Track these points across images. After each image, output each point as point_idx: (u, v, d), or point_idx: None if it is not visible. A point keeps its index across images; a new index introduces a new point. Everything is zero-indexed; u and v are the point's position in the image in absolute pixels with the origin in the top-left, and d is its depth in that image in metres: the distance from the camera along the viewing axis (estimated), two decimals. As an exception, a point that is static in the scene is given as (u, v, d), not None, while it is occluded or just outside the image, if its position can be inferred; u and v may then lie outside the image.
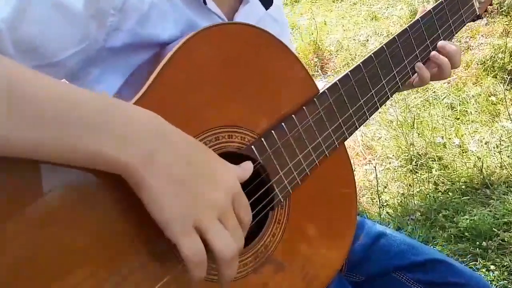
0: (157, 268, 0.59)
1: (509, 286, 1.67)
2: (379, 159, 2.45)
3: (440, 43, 0.92)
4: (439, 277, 0.98)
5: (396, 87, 0.86)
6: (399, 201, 2.18)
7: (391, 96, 0.85)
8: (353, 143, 2.53)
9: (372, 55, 0.82)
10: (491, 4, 1.02)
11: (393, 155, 2.43)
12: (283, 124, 0.73)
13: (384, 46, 0.84)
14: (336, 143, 0.79)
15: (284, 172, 0.74)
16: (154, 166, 0.52)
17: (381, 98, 0.84)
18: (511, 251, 1.79)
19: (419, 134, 2.47)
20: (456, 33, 0.96)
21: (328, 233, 0.82)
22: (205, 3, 0.74)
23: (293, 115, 0.75)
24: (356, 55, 3.16)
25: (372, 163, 2.42)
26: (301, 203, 0.78)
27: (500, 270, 1.73)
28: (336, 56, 3.25)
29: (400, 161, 2.37)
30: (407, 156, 2.37)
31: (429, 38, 0.90)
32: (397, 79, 0.85)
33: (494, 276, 1.71)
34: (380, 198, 2.21)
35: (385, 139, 2.54)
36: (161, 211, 0.52)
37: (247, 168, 0.65)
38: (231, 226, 0.57)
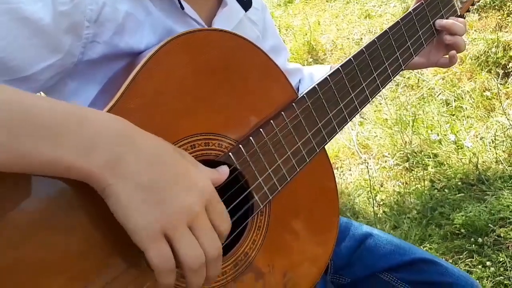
0: (136, 274, 0.59)
1: (505, 282, 1.66)
2: (375, 158, 2.45)
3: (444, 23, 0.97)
4: (427, 277, 0.98)
5: (378, 90, 0.86)
6: (395, 200, 2.18)
7: (371, 99, 0.84)
8: (348, 143, 2.52)
9: (351, 58, 0.82)
10: (473, 4, 1.02)
11: (388, 154, 2.43)
12: (260, 129, 0.73)
13: (363, 48, 0.83)
14: (317, 148, 0.79)
15: (263, 178, 0.73)
16: (121, 172, 0.51)
17: (361, 101, 0.83)
18: (507, 246, 1.78)
19: (414, 131, 2.46)
20: (437, 33, 0.96)
21: (309, 238, 0.82)
22: (182, 8, 0.74)
23: (271, 121, 0.74)
24: (350, 54, 3.14)
25: (368, 163, 2.42)
26: (282, 209, 0.78)
27: (496, 266, 1.72)
28: (330, 56, 3.24)
29: (396, 159, 2.37)
30: (403, 154, 2.36)
31: (410, 39, 0.90)
32: (378, 82, 0.85)
33: (490, 272, 1.70)
34: (376, 198, 2.20)
35: (381, 137, 2.54)
36: (128, 217, 0.51)
37: (222, 171, 0.65)
38: (203, 231, 0.56)
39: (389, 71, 0.86)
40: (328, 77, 0.78)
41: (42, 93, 0.74)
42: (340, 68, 0.80)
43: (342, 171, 2.45)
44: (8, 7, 0.60)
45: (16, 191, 0.51)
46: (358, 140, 2.55)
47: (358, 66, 0.82)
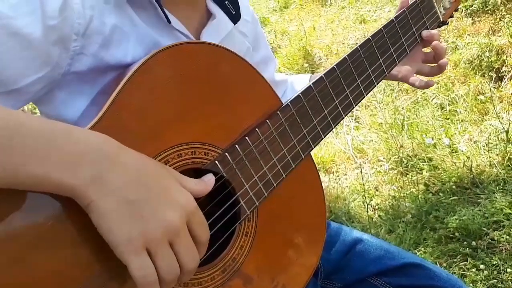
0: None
1: (499, 285, 1.67)
2: (370, 162, 2.46)
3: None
4: (416, 281, 0.99)
5: (362, 96, 0.87)
6: (390, 204, 2.19)
7: (355, 105, 0.86)
8: (344, 147, 2.54)
9: (334, 66, 0.83)
10: (456, 10, 1.04)
11: (383, 158, 2.44)
12: (246, 138, 0.75)
13: (346, 56, 0.85)
14: (302, 154, 0.81)
15: (250, 185, 0.75)
16: (103, 188, 0.53)
17: (345, 107, 0.85)
18: (501, 250, 1.79)
19: (409, 136, 2.48)
20: (420, 40, 0.98)
21: (297, 243, 0.83)
22: (169, 21, 0.76)
23: (256, 129, 0.76)
24: (345, 59, 3.17)
25: (363, 167, 2.43)
26: (269, 215, 0.79)
27: (489, 270, 1.73)
28: (326, 61, 3.27)
29: (391, 164, 2.38)
30: (398, 158, 2.38)
31: (393, 46, 0.91)
32: (361, 88, 0.86)
33: (484, 276, 1.71)
34: (371, 202, 2.22)
35: (376, 142, 2.56)
36: (110, 231, 0.53)
37: (208, 181, 0.67)
38: (183, 247, 0.58)
39: (373, 77, 0.88)
40: (311, 85, 0.80)
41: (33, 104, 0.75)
42: (323, 76, 0.81)
43: (337, 176, 2.47)
44: None
45: (5, 206, 0.53)
46: (353, 145, 2.57)
47: (342, 74, 0.83)
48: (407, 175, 2.30)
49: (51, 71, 0.67)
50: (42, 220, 0.55)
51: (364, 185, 2.26)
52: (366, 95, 0.87)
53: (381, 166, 2.42)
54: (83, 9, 0.67)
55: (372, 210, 2.20)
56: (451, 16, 1.04)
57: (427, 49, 1.04)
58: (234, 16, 0.87)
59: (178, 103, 0.70)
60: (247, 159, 0.74)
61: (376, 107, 2.74)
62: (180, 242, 0.57)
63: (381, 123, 2.62)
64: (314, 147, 0.82)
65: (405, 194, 2.19)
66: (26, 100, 0.70)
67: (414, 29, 0.94)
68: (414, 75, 1.05)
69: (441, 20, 1.01)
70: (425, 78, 1.05)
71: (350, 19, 3.51)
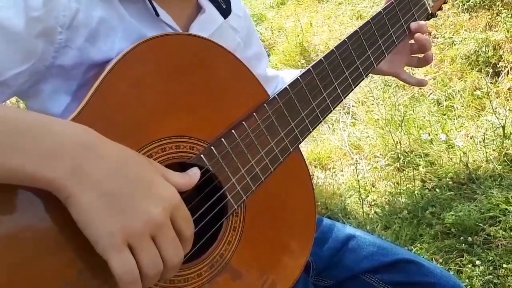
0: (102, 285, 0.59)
1: (495, 281, 1.66)
2: (367, 158, 2.45)
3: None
4: (409, 277, 0.98)
5: (350, 88, 0.86)
6: (386, 200, 2.18)
7: (344, 98, 0.85)
8: (340, 143, 2.53)
9: (322, 58, 0.82)
10: (445, 3, 1.03)
11: (380, 154, 2.43)
12: (233, 131, 0.73)
13: (334, 48, 0.84)
14: (290, 147, 0.79)
15: (237, 179, 0.74)
16: (82, 181, 0.51)
17: (334, 100, 0.83)
18: (497, 245, 1.78)
19: (405, 131, 2.46)
20: (408, 32, 0.97)
21: (286, 238, 0.81)
22: (157, 15, 0.74)
23: (243, 122, 0.75)
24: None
25: (359, 163, 2.42)
26: (257, 210, 0.78)
27: (485, 265, 1.72)
28: (322, 57, 3.25)
29: (387, 160, 2.37)
30: (394, 154, 2.37)
31: (381, 38, 0.90)
32: (350, 80, 0.85)
33: (480, 271, 1.70)
34: (367, 198, 2.21)
35: (372, 138, 2.54)
36: (90, 226, 0.51)
37: (193, 174, 0.65)
38: (166, 242, 0.56)
39: (361, 69, 0.86)
40: (299, 77, 0.79)
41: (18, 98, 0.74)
42: (311, 68, 0.80)
43: (334, 172, 2.45)
44: None
45: None
46: (350, 141, 2.56)
47: (329, 66, 0.82)
48: (404, 171, 2.29)
49: (36, 64, 0.66)
50: (26, 219, 0.54)
51: (359, 181, 2.24)
52: (355, 87, 0.86)
53: (377, 162, 2.41)
54: (69, 2, 0.66)
55: (368, 206, 2.19)
56: (440, 9, 1.02)
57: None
58: (225, 11, 0.86)
59: (162, 96, 0.68)
60: (233, 152, 0.73)
61: (372, 103, 2.73)
62: (163, 236, 0.56)
63: (378, 119, 2.61)
64: (303, 140, 0.80)
65: (401, 190, 2.17)
66: (10, 93, 0.68)
67: (402, 21, 0.93)
68: (405, 68, 1.04)
69: (430, 12, 1.00)
70: (416, 71, 1.04)
71: (347, 15, 3.50)
